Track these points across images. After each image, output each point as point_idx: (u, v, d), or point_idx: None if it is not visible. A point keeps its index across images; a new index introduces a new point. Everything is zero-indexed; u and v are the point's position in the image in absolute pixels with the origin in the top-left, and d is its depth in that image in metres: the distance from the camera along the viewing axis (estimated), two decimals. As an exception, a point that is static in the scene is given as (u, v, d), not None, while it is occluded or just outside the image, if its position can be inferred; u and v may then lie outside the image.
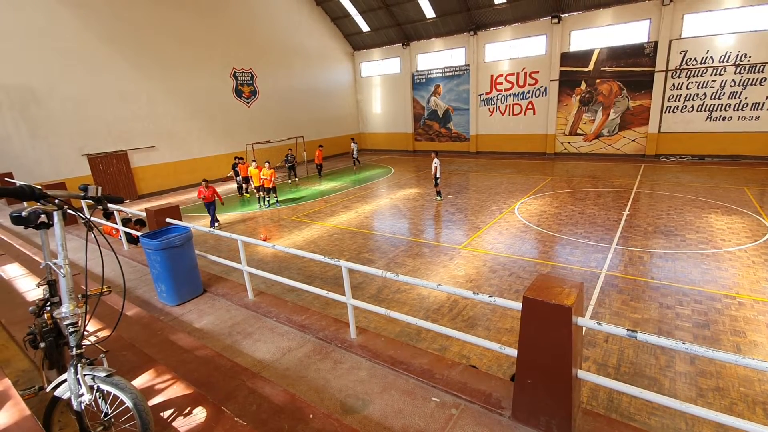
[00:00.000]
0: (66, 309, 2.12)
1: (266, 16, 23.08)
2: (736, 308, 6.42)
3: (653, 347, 5.49)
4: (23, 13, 14.40)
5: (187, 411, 2.76)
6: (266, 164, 15.00)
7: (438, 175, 14.07)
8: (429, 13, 23.95)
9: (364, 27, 26.92)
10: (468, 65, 24.69)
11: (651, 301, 6.79)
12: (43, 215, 2.22)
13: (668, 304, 6.69)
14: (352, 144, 23.18)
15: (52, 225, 2.23)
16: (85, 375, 2.07)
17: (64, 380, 2.12)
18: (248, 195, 17.13)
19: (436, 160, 14.01)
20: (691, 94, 18.64)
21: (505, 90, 23.86)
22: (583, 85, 21.24)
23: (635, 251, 8.93)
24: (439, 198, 14.49)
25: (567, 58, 21.34)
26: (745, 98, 17.54)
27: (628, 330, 2.43)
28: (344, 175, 21.03)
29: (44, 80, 15.08)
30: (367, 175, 20.64)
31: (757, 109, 17.44)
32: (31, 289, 4.92)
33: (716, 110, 18.29)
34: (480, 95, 24.85)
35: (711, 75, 18.01)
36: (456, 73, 25.38)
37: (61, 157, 15.86)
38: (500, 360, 5.49)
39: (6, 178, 12.45)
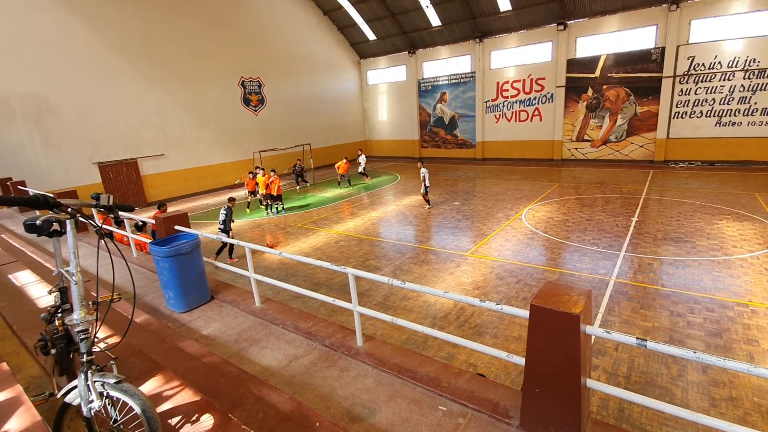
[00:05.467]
0: (77, 316, 2.15)
1: (274, 25, 23.42)
2: (748, 316, 6.31)
3: (664, 356, 5.41)
4: (38, 25, 14.77)
5: (194, 418, 2.77)
6: (272, 172, 15.13)
7: (428, 184, 13.91)
8: (435, 21, 24.13)
9: (371, 35, 27.18)
10: (474, 72, 24.76)
11: (661, 309, 6.70)
12: (55, 223, 2.27)
13: (679, 312, 6.59)
14: (361, 156, 21.36)
15: (65, 233, 2.27)
16: (95, 381, 2.09)
17: (75, 386, 2.15)
18: (249, 211, 16.72)
19: (423, 169, 13.88)
20: (699, 100, 18.50)
21: (512, 97, 23.87)
22: (590, 91, 21.18)
23: (645, 258, 8.83)
24: (428, 207, 14.46)
25: (573, 64, 21.33)
26: (755, 103, 17.37)
27: (637, 338, 2.41)
28: (361, 181, 20.94)
29: (57, 90, 15.41)
30: (373, 182, 20.68)
31: (766, 115, 17.25)
32: (42, 295, 4.99)
33: (725, 115, 18.12)
34: (486, 102, 24.89)
35: (719, 80, 17.87)
36: (462, 80, 25.47)
37: (73, 165, 16.14)
38: (508, 368, 5.44)
39: (19, 186, 12.68)
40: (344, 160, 19.87)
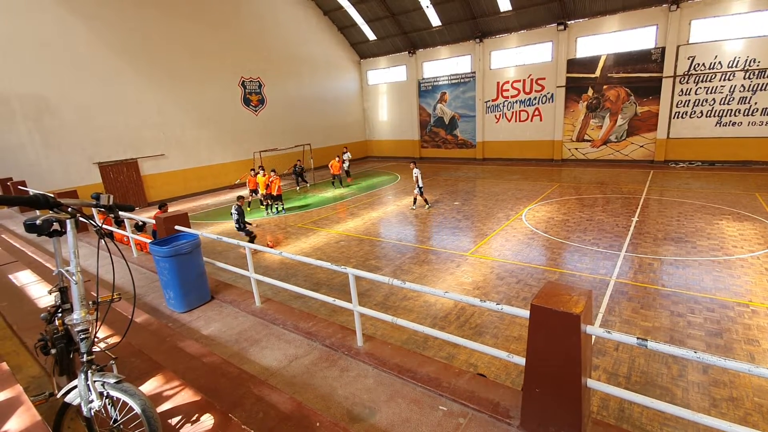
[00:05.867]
0: (77, 316, 2.15)
1: (274, 25, 23.42)
2: (749, 316, 6.30)
3: (665, 356, 5.40)
4: (38, 25, 14.77)
5: (194, 418, 2.77)
6: (272, 172, 15.15)
7: (421, 185, 13.94)
8: (435, 21, 24.12)
9: (371, 36, 27.18)
10: (474, 72, 24.76)
11: (662, 309, 6.69)
12: (56, 223, 2.27)
13: (680, 312, 6.58)
14: (346, 154, 21.37)
15: (65, 233, 2.27)
16: (95, 381, 2.09)
17: (75, 386, 2.15)
18: (249, 210, 16.58)
19: (416, 170, 13.91)
20: (699, 100, 18.50)
21: (512, 97, 23.87)
22: (590, 92, 21.17)
23: (645, 258, 8.82)
24: (413, 207, 14.47)
25: (573, 64, 21.32)
26: (755, 103, 17.36)
27: (638, 338, 2.41)
28: (363, 181, 21.00)
29: (57, 90, 15.41)
30: (373, 182, 20.68)
31: (767, 115, 17.25)
32: (42, 295, 4.99)
33: (726, 115, 18.12)
34: (486, 102, 24.89)
35: (720, 80, 17.87)
36: (462, 80, 25.47)
37: (73, 165, 16.14)
38: (509, 368, 5.44)
39: (19, 186, 12.68)
40: (336, 159, 19.93)
